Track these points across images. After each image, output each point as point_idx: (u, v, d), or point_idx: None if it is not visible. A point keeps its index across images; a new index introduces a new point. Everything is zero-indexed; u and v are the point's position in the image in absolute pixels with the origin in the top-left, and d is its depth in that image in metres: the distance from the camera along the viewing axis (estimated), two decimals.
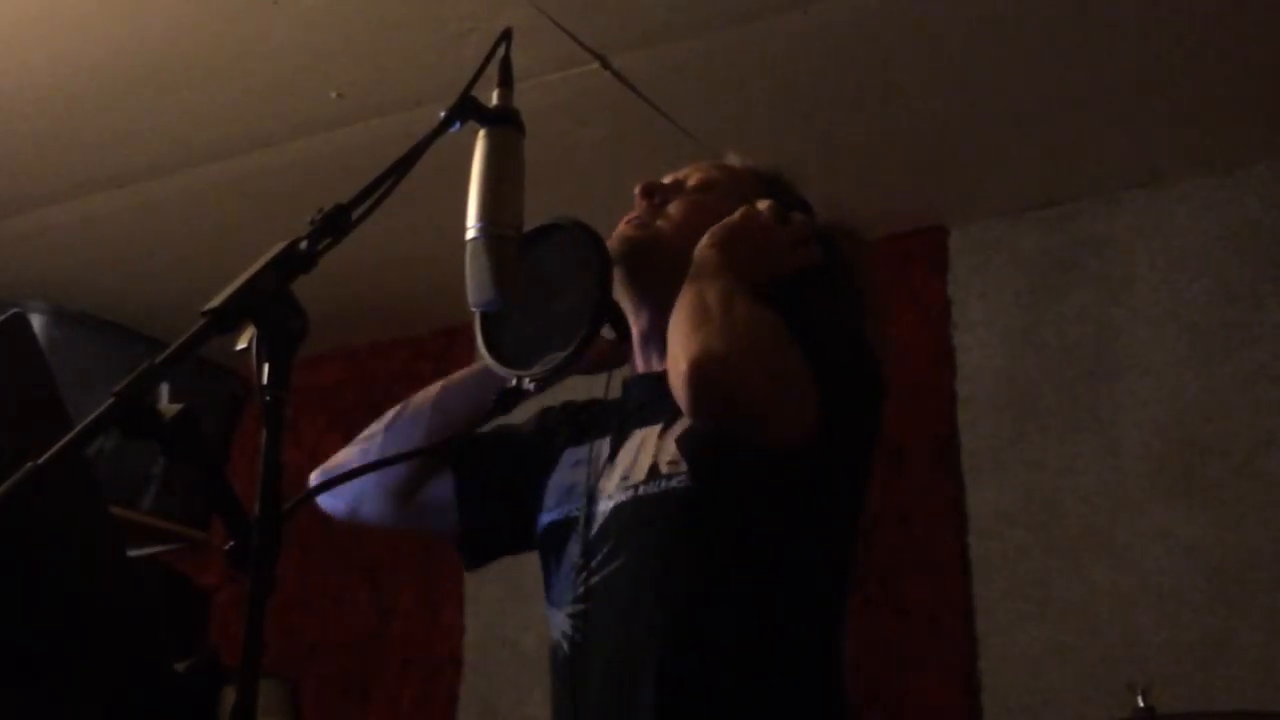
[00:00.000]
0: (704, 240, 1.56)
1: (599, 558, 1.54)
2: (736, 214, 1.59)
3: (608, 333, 1.60)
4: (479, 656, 3.61)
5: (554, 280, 1.54)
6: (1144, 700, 2.24)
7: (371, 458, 1.67)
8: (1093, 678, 2.90)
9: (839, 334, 1.58)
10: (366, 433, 1.75)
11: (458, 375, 1.76)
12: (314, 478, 1.71)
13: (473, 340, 1.57)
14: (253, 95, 2.89)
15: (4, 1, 2.61)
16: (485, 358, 1.56)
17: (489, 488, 1.73)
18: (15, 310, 1.17)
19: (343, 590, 3.87)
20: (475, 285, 1.38)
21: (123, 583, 1.14)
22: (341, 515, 1.77)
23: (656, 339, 1.63)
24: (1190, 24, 2.63)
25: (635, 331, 1.67)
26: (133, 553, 3.55)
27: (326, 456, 4.67)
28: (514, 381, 1.51)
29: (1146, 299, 3.15)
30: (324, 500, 1.73)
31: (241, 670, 1.00)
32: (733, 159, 1.78)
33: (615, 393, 1.72)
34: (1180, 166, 3.14)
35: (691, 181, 1.70)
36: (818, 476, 1.51)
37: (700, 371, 1.40)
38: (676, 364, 1.43)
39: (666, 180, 1.71)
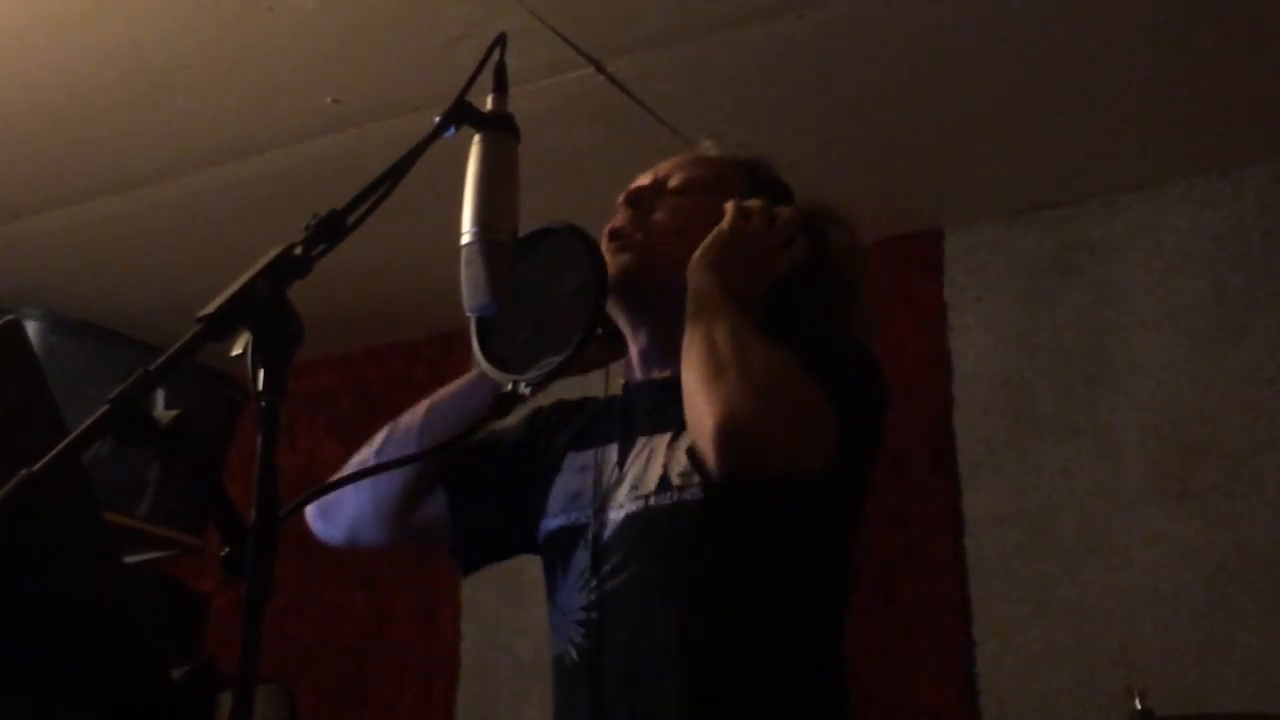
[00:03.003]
0: (696, 261, 1.54)
1: (609, 566, 1.53)
2: (725, 225, 1.58)
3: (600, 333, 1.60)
4: (475, 662, 3.61)
5: (549, 284, 1.54)
6: (1141, 703, 2.24)
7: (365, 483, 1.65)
8: (1090, 680, 2.90)
9: (843, 348, 1.57)
10: (357, 458, 1.71)
11: (444, 390, 1.73)
12: (311, 512, 1.70)
13: (469, 344, 1.57)
14: (248, 101, 2.89)
15: None
16: (480, 362, 1.56)
17: (480, 494, 1.71)
18: (10, 317, 1.17)
19: (339, 596, 3.87)
20: (470, 290, 1.38)
21: (119, 589, 1.14)
22: (340, 542, 1.76)
23: (656, 353, 1.63)
24: (1185, 26, 2.63)
25: (634, 348, 1.67)
26: (129, 559, 3.54)
27: (324, 462, 4.64)
28: (509, 386, 1.51)
29: (1142, 301, 3.15)
30: (321, 530, 1.72)
31: (238, 676, 1.00)
32: (709, 148, 1.74)
33: (614, 390, 1.71)
34: (1175, 169, 3.14)
35: (674, 183, 1.67)
36: (830, 494, 1.51)
37: (728, 435, 1.37)
38: (700, 422, 1.40)
39: (646, 181, 1.68)
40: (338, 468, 4.45)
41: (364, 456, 1.71)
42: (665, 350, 1.60)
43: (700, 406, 1.41)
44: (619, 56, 2.74)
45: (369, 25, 2.65)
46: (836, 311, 1.65)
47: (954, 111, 2.93)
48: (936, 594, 3.12)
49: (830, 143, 3.04)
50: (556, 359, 1.49)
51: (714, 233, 1.57)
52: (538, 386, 1.54)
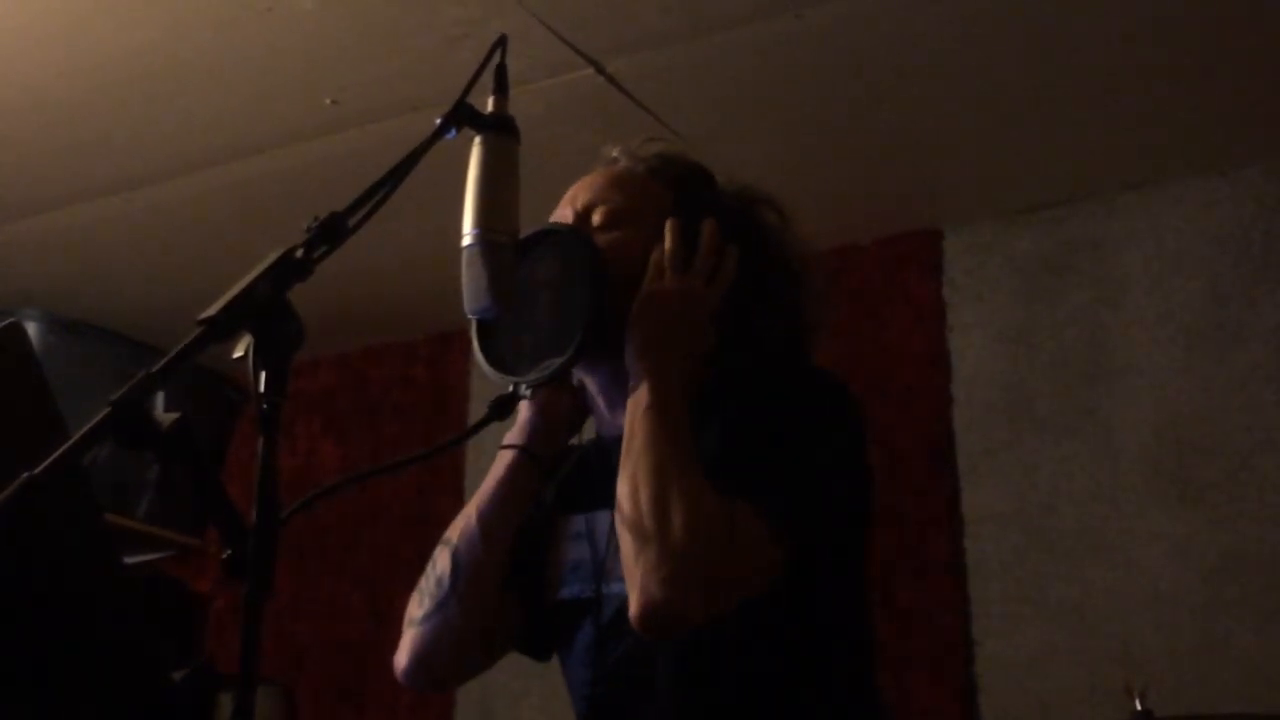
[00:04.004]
0: (627, 346, 1.49)
1: (617, 641, 1.51)
2: (644, 289, 1.52)
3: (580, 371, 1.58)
4: None
5: (549, 286, 1.54)
6: (1140, 703, 2.24)
7: (453, 615, 1.60)
8: (1089, 680, 2.90)
9: (808, 419, 1.49)
10: (429, 605, 1.64)
11: (480, 492, 1.64)
12: (410, 677, 1.65)
13: (467, 345, 1.57)
14: (248, 102, 2.89)
15: None
16: (481, 363, 1.56)
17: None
18: (11, 319, 1.17)
19: (338, 596, 3.87)
20: (471, 292, 1.38)
21: (118, 591, 1.14)
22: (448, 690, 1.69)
23: (620, 392, 1.53)
24: (1183, 27, 2.63)
25: (597, 390, 1.61)
26: (128, 560, 3.54)
27: (322, 462, 4.60)
28: (510, 387, 1.52)
29: (1140, 301, 3.15)
30: (425, 688, 1.69)
31: (239, 677, 1.00)
32: (618, 159, 1.65)
33: (590, 433, 1.67)
34: (1174, 168, 3.15)
35: (597, 219, 1.59)
36: (802, 581, 1.44)
37: (646, 622, 1.35)
38: (629, 592, 1.37)
39: (569, 220, 1.60)
40: (335, 468, 4.43)
41: (439, 596, 1.64)
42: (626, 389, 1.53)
43: (627, 573, 1.38)
44: (619, 57, 2.74)
45: (368, 26, 2.65)
46: (788, 300, 1.59)
47: (952, 111, 2.93)
48: (935, 593, 3.12)
49: (829, 142, 3.04)
50: (557, 360, 1.50)
51: (636, 305, 1.51)
52: (538, 388, 1.54)
